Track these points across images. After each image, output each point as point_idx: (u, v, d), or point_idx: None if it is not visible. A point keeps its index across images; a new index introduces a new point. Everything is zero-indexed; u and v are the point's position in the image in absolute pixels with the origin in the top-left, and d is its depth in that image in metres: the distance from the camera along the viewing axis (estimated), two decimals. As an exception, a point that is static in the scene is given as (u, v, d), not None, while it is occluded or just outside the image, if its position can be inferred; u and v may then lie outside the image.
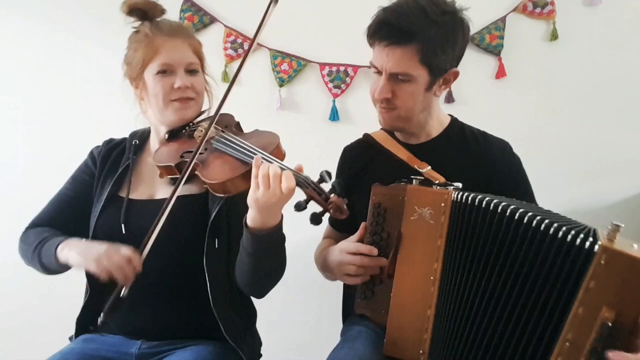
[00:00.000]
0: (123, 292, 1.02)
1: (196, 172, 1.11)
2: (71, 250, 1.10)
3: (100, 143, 1.36)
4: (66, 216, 1.27)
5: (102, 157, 1.30)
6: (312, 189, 0.98)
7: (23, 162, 2.17)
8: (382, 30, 1.15)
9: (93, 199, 1.26)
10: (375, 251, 1.11)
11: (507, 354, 0.93)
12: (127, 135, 1.35)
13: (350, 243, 1.16)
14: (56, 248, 1.12)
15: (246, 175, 1.02)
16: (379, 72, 1.20)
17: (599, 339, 0.80)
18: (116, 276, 1.01)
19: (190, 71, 1.21)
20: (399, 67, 1.15)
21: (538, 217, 0.91)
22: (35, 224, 1.27)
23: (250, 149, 1.07)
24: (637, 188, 1.98)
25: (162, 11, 1.25)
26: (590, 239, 0.84)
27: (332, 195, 0.98)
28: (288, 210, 1.02)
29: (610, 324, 0.79)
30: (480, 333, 0.96)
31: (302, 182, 0.98)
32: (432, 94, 1.24)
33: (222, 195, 1.09)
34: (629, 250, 0.81)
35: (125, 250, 1.04)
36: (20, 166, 2.17)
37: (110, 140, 1.35)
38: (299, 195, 0.99)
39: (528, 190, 1.28)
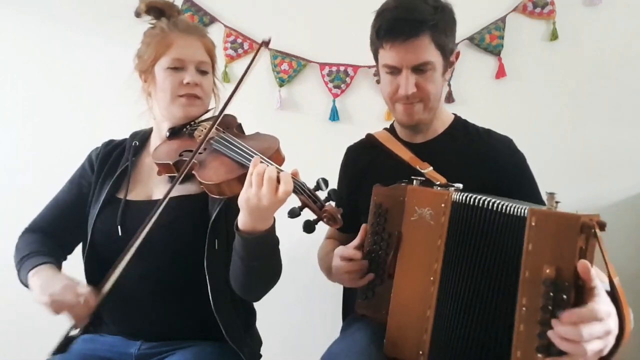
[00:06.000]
0: (74, 331, 1.02)
1: (193, 172, 1.11)
2: (37, 280, 1.10)
3: (100, 144, 1.35)
4: (63, 221, 1.28)
5: (100, 159, 1.30)
6: (307, 196, 0.96)
7: (23, 160, 2.16)
8: (395, 28, 1.17)
9: (90, 203, 1.26)
10: (358, 255, 1.13)
11: (507, 354, 0.92)
12: (127, 136, 1.35)
13: (345, 248, 1.16)
14: (29, 272, 1.13)
15: (242, 178, 1.01)
16: (394, 72, 1.22)
17: (546, 296, 0.83)
18: (68, 315, 1.04)
19: (201, 71, 1.23)
20: (421, 57, 1.18)
21: (512, 205, 0.93)
22: (31, 229, 1.28)
23: (249, 152, 1.07)
24: (637, 188, 1.98)
25: (179, 12, 1.29)
26: (525, 206, 0.90)
27: (327, 203, 0.97)
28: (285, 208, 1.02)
29: (552, 280, 0.83)
30: (479, 334, 0.96)
31: (298, 188, 0.97)
32: (444, 78, 1.26)
33: (217, 196, 1.09)
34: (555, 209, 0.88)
35: (82, 289, 1.05)
36: (20, 164, 2.16)
37: (110, 142, 1.35)
38: (293, 201, 0.98)
39: (533, 186, 1.28)
